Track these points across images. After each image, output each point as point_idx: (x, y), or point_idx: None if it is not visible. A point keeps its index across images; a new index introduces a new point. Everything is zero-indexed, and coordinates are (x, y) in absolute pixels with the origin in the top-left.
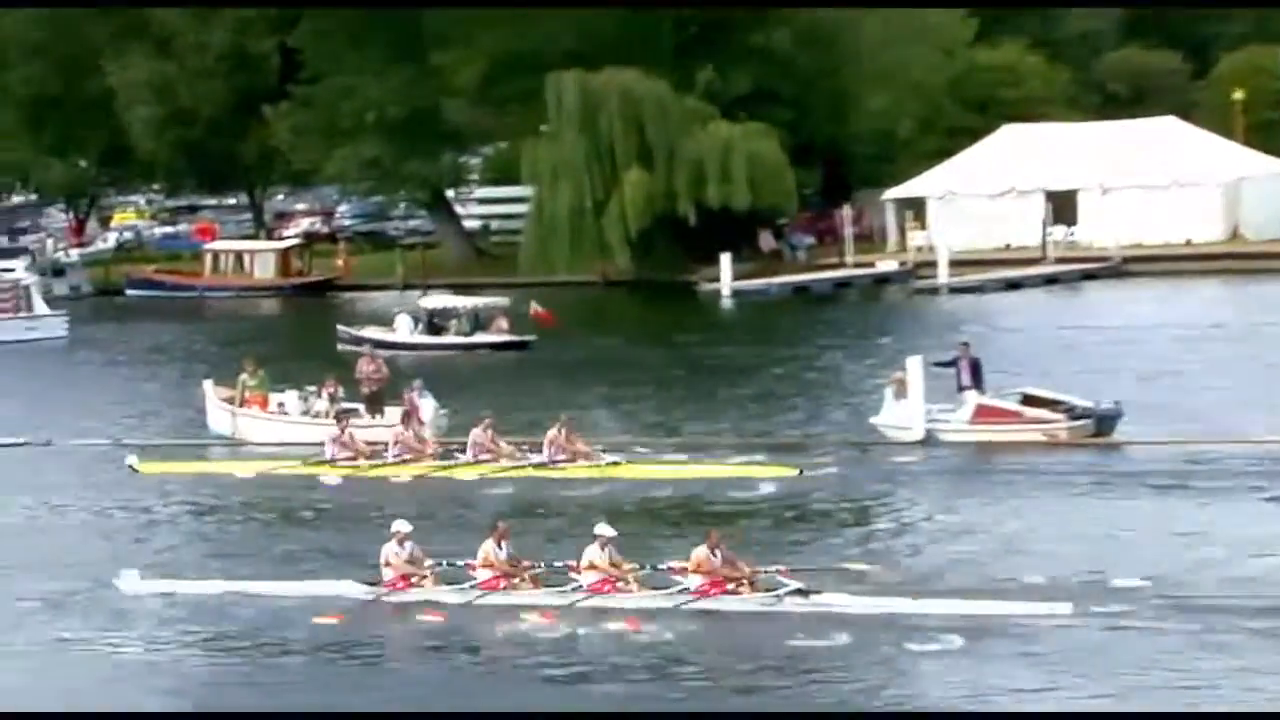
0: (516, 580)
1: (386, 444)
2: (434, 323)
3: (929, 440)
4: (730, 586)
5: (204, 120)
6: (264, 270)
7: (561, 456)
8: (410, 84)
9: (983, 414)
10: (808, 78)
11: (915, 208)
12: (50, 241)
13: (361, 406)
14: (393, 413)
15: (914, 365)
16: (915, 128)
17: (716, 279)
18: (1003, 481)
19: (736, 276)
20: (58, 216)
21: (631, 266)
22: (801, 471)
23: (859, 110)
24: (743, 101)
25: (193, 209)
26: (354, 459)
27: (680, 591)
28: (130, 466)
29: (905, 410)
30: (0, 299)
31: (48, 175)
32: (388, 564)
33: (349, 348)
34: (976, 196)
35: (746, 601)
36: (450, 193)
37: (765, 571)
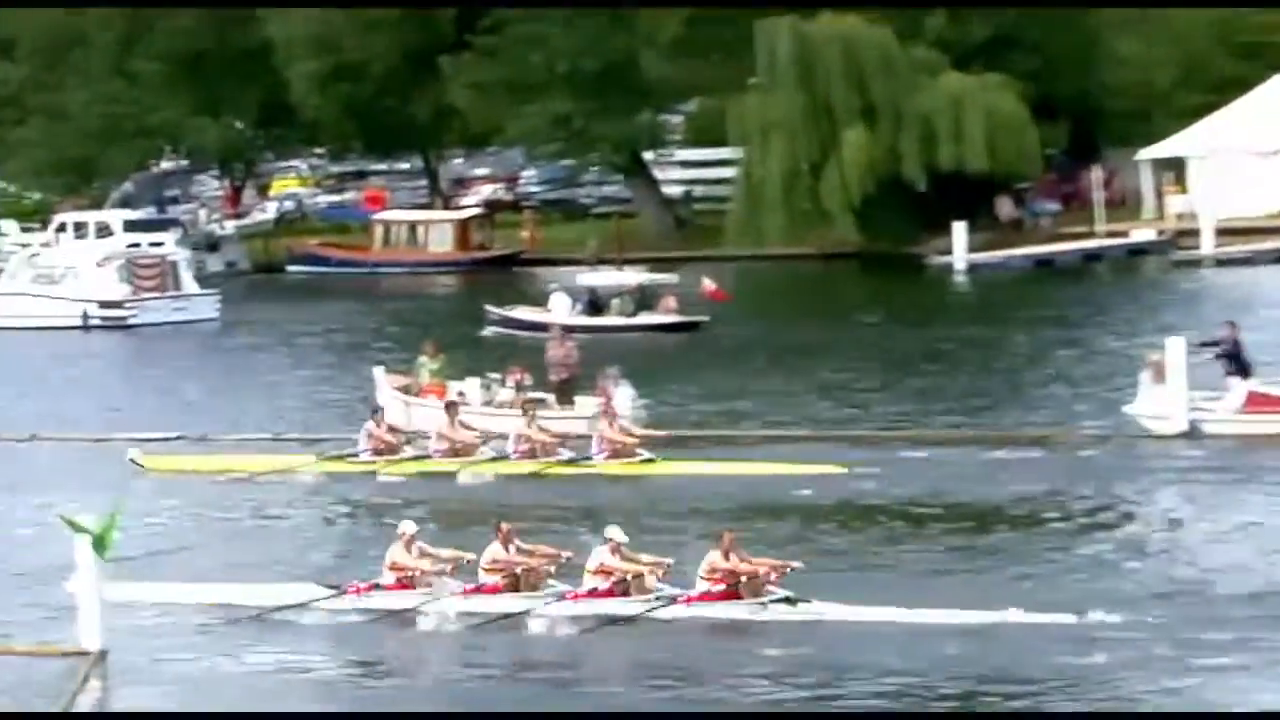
0: (519, 579)
1: (577, 437)
2: (594, 302)
3: (1192, 432)
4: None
5: (373, 76)
6: (440, 243)
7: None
8: (604, 34)
9: (1255, 403)
10: (1052, 23)
11: (1175, 169)
12: (203, 212)
13: (551, 396)
14: (584, 403)
15: (1174, 347)
16: (1175, 78)
17: (948, 251)
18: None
19: (971, 248)
20: (211, 184)
21: (853, 237)
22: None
23: (1110, 59)
24: (978, 51)
25: (360, 175)
26: (452, 452)
27: (656, 597)
28: (133, 460)
29: (1164, 398)
30: (146, 276)
31: (200, 138)
32: (394, 567)
33: (498, 330)
34: (1245, 155)
35: (735, 607)
36: (648, 155)
37: (791, 567)
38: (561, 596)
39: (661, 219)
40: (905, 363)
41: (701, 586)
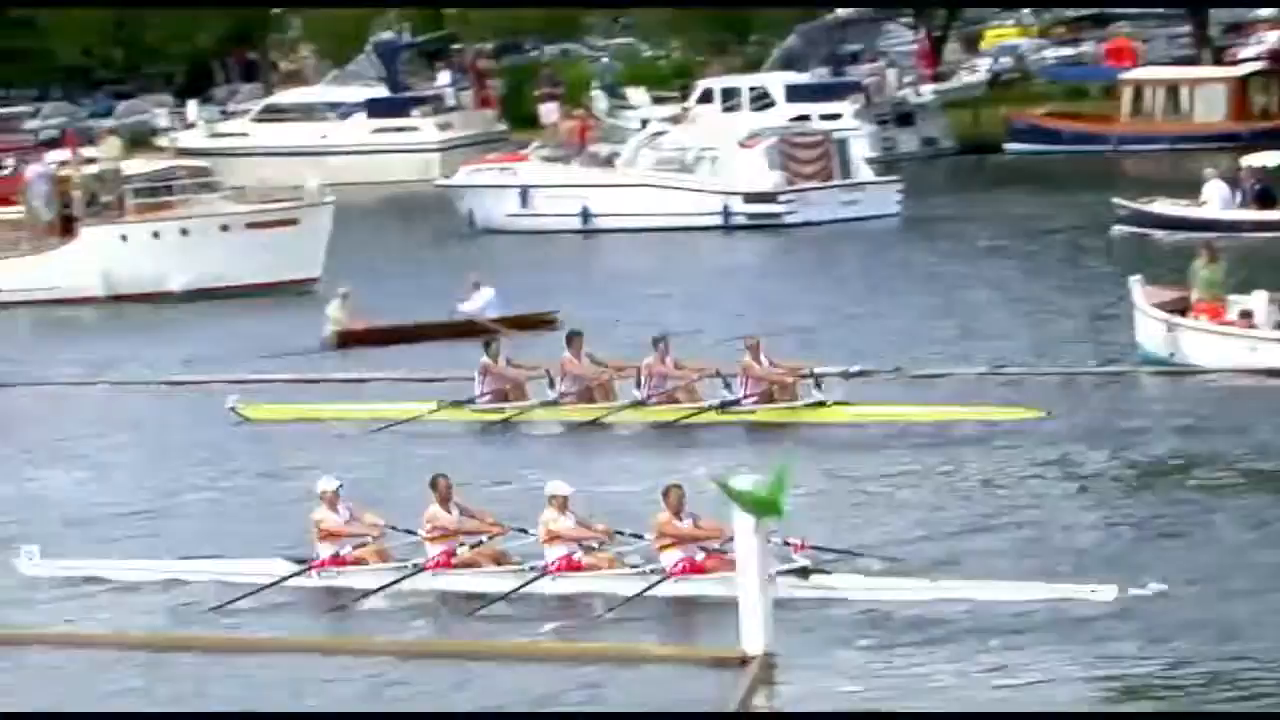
0: (470, 547)
1: None
2: (1264, 191)
3: None
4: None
5: None
6: (1209, 110)
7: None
8: None
9: None
10: None
11: None
12: (892, 73)
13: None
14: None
15: None
16: None
17: None
18: None
19: None
20: (903, 36)
21: None
22: None
23: None
24: None
25: (1100, 21)
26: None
27: (651, 571)
28: (232, 410)
29: None
30: (804, 160)
31: None
32: (321, 533)
33: (1130, 229)
34: None
35: (730, 583)
36: None
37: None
38: (544, 571)
39: None
40: None
41: (670, 558)
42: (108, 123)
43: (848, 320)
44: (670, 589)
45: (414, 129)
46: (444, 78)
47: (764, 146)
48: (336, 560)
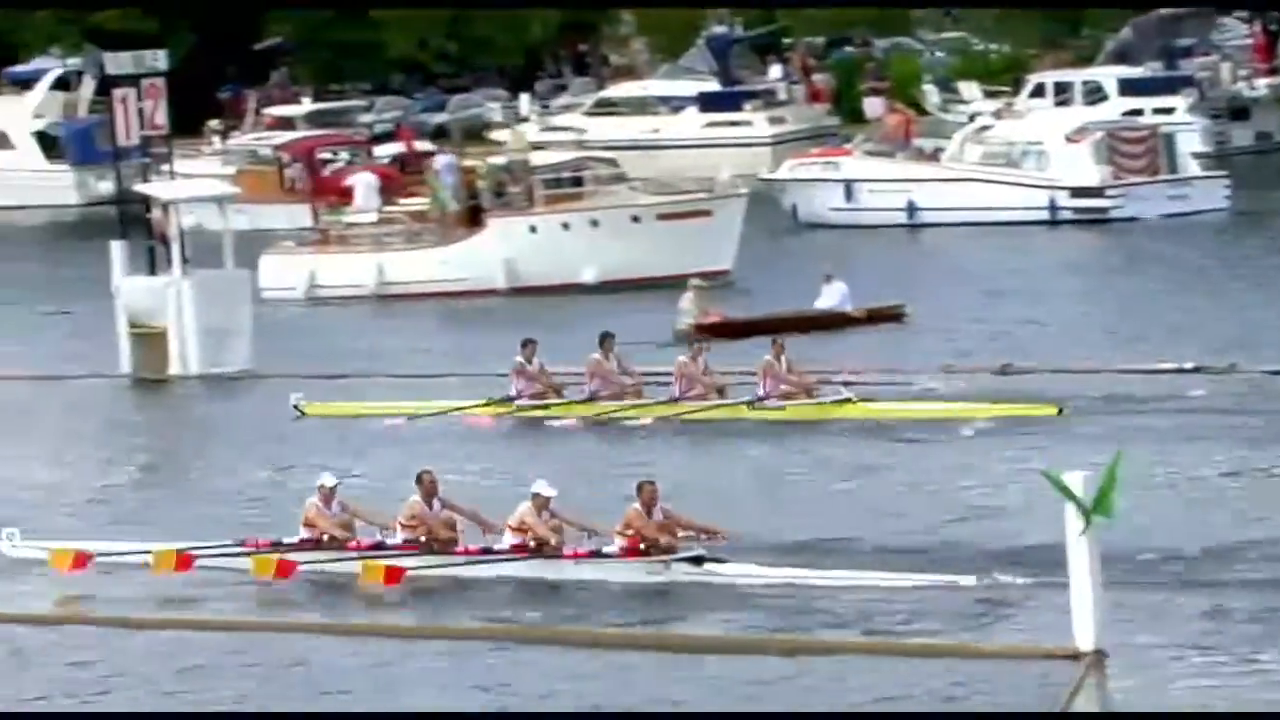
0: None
1: None
2: None
3: None
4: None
5: None
6: None
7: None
8: None
9: None
10: None
11: None
12: (1226, 67)
13: None
14: None
15: None
16: None
17: None
18: None
19: None
20: (1238, 29)
21: None
22: None
23: None
24: None
25: None
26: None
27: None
28: (295, 407)
29: None
30: (1130, 155)
31: None
32: (308, 524)
33: None
34: None
35: (633, 569)
36: None
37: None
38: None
39: None
40: None
41: (618, 544)
42: (440, 117)
43: (1182, 315)
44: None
45: (746, 123)
46: (775, 72)
47: (1091, 141)
48: (269, 543)
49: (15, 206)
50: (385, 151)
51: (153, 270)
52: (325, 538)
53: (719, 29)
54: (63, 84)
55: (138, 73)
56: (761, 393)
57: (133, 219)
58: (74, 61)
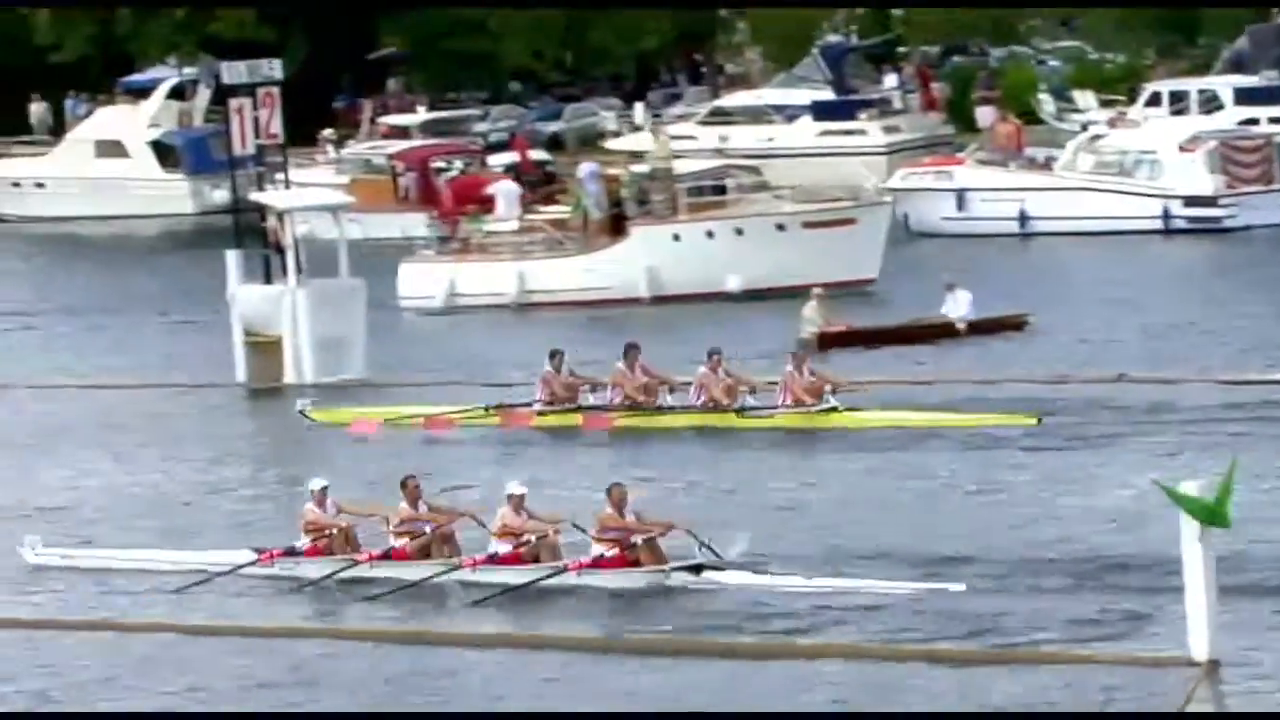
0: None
1: None
2: None
3: None
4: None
5: None
6: None
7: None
8: None
9: None
10: None
11: None
12: None
13: None
14: None
15: None
16: None
17: None
18: None
19: None
20: None
21: None
22: None
23: None
24: None
25: None
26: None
27: (562, 570)
28: (302, 413)
29: None
30: (1245, 164)
31: None
32: (309, 528)
33: None
34: None
35: (631, 577)
36: None
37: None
38: (459, 565)
39: None
40: None
41: (595, 550)
42: (555, 126)
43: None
44: (573, 580)
45: (861, 132)
46: (890, 80)
47: (1204, 150)
48: (283, 553)
49: (131, 215)
50: (499, 160)
51: (268, 279)
52: (332, 532)
53: (834, 38)
54: (178, 93)
55: (253, 82)
56: (779, 400)
57: (248, 228)
58: (189, 70)
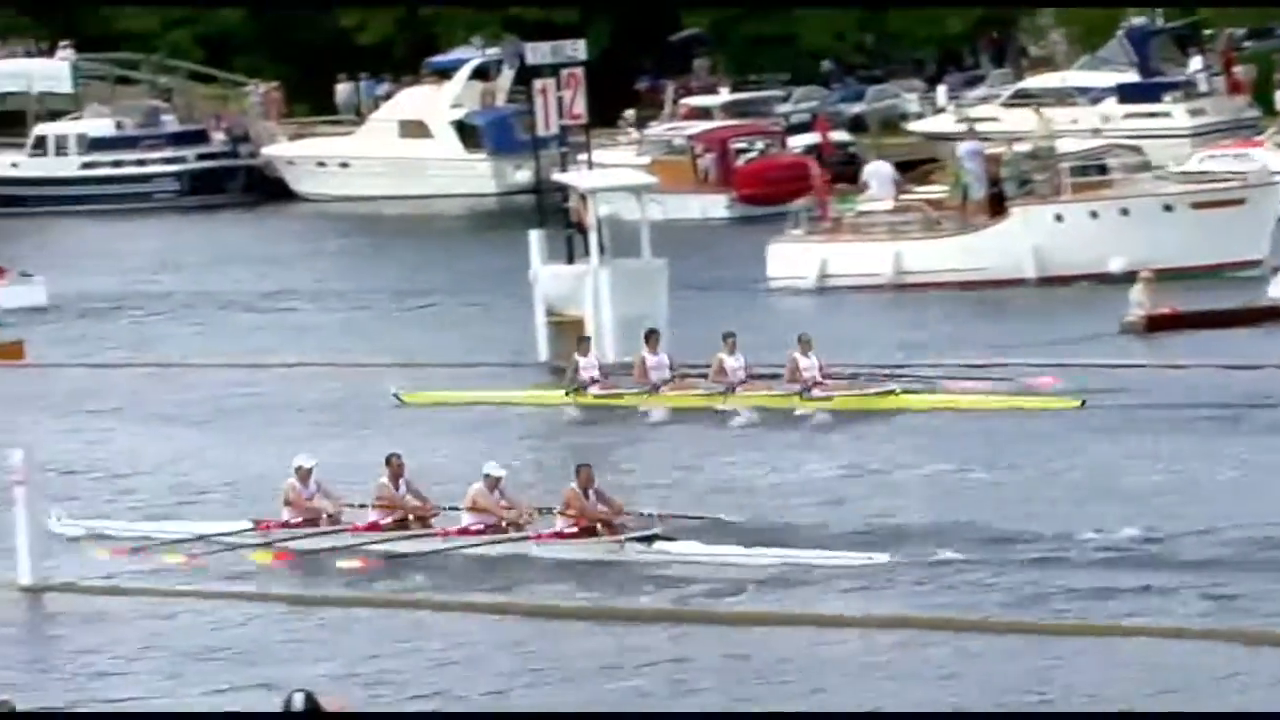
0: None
1: None
2: None
3: None
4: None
5: None
6: None
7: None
8: None
9: None
10: None
11: None
12: None
13: None
14: None
15: None
16: None
17: None
18: None
19: None
20: None
21: None
22: None
23: None
24: None
25: None
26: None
27: (524, 539)
28: (395, 395)
29: None
30: None
31: None
32: (287, 503)
33: None
34: None
35: (590, 548)
36: None
37: (643, 514)
38: (434, 533)
39: None
40: None
41: (560, 524)
42: (858, 108)
43: None
44: (534, 550)
45: (1165, 114)
46: (1195, 63)
47: None
48: (284, 524)
49: (434, 195)
50: (800, 141)
51: (570, 259)
52: (308, 514)
53: (1138, 21)
54: (481, 73)
55: (557, 62)
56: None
57: (550, 208)
58: (493, 51)
